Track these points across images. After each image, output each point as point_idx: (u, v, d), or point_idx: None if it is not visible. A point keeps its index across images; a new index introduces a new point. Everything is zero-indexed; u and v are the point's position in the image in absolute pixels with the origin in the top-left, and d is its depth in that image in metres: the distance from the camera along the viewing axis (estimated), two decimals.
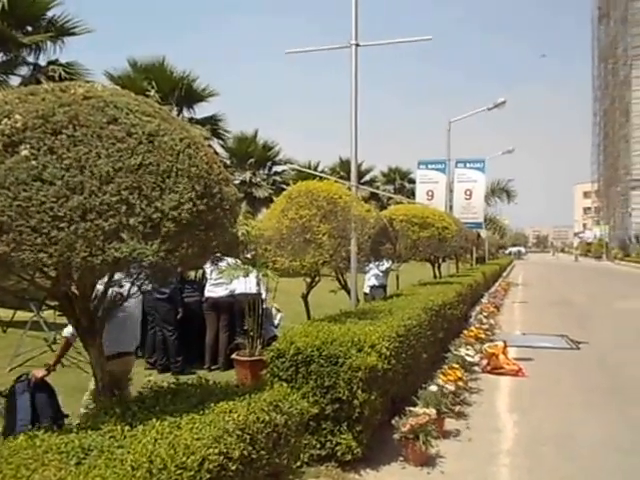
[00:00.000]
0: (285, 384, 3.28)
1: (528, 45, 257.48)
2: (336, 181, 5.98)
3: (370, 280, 9.51)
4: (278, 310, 6.84)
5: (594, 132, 73.30)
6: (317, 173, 17.38)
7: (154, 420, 2.25)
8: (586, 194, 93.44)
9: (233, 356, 5.53)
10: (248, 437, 2.32)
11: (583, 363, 7.60)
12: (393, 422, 4.01)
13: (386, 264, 9.13)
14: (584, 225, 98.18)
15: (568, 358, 7.94)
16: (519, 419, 5.11)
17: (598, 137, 70.14)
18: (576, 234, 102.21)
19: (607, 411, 5.38)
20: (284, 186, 23.65)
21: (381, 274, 9.46)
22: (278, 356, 3.77)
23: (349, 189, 6.06)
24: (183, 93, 18.72)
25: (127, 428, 2.19)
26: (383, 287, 9.54)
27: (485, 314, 9.83)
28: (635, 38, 51.49)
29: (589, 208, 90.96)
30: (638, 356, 8.07)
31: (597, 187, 72.53)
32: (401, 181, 43.18)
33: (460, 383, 5.21)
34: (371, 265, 8.73)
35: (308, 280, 5.74)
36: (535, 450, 4.36)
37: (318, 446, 3.70)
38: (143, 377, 4.73)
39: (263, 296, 6.17)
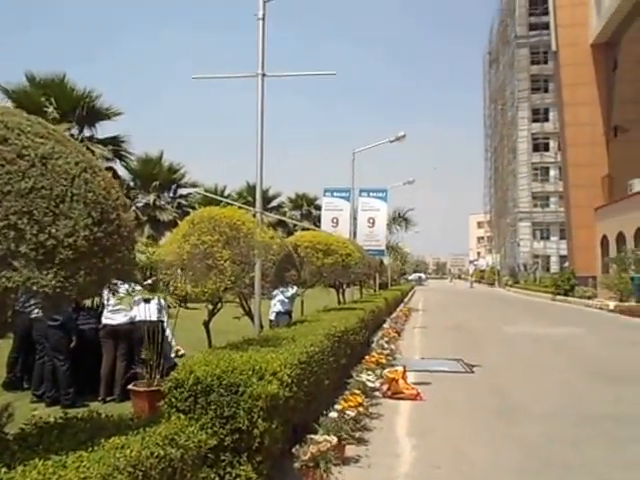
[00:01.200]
0: (183, 415, 3.18)
1: (430, 81, 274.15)
2: (241, 207, 5.98)
3: (275, 306, 9.51)
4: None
5: (486, 167, 79.03)
6: (221, 198, 17.24)
7: (37, 460, 2.10)
8: (479, 224, 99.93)
9: (130, 386, 5.28)
10: (140, 474, 2.23)
11: (476, 386, 8.03)
12: (294, 451, 4.00)
13: (291, 290, 9.18)
14: (478, 253, 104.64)
15: (463, 381, 8.35)
16: (417, 443, 5.29)
17: (490, 171, 75.67)
18: (471, 262, 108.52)
19: (497, 431, 5.71)
20: (190, 209, 23.20)
21: (286, 300, 9.49)
22: (176, 386, 3.65)
23: (254, 215, 6.09)
24: (85, 112, 17.97)
25: (4, 470, 2.02)
26: (288, 313, 9.56)
27: (386, 339, 10.14)
28: (521, 82, 56.47)
29: (482, 237, 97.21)
30: (523, 377, 8.70)
31: (489, 218, 77.85)
32: (308, 207, 43.92)
33: (361, 409, 5.31)
34: (276, 291, 8.75)
35: (210, 307, 5.64)
36: (430, 473, 4.53)
37: (217, 479, 3.60)
38: (28, 411, 4.39)
39: (165, 323, 5.97)
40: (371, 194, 19.38)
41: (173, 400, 3.63)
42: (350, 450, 4.75)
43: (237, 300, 6.09)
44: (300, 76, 7.57)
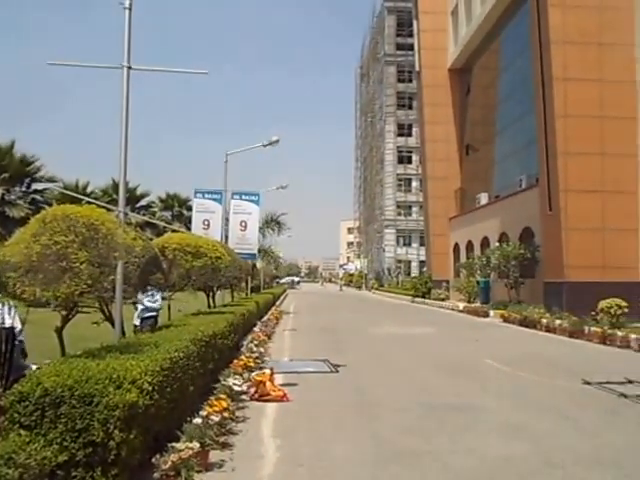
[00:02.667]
0: (25, 432, 2.92)
1: (305, 88, 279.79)
2: (103, 206, 5.64)
3: (141, 311, 9.10)
4: None
5: (356, 175, 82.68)
6: (81, 196, 16.11)
7: None
8: (350, 230, 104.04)
9: None
10: None
11: (340, 385, 8.34)
12: (154, 460, 3.86)
13: (157, 295, 8.85)
14: (348, 258, 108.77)
15: (328, 381, 8.63)
16: (281, 443, 5.36)
17: (359, 180, 79.29)
18: (341, 266, 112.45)
19: (357, 427, 5.98)
20: (46, 206, 21.35)
21: (153, 305, 9.12)
22: (20, 400, 3.34)
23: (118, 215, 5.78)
24: None
25: None
26: (154, 318, 9.20)
27: (256, 342, 10.16)
28: (388, 98, 59.94)
29: (352, 243, 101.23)
30: (383, 375, 9.22)
31: (358, 224, 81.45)
32: (179, 208, 42.54)
33: (226, 413, 5.26)
34: (142, 295, 8.38)
35: (64, 312, 5.24)
36: (293, 471, 4.62)
37: None
38: None
39: (17, 329, 5.43)
40: (244, 197, 19.32)
41: (16, 415, 3.31)
42: (214, 455, 4.68)
43: (97, 305, 5.74)
44: (171, 72, 7.34)
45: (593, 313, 14.56)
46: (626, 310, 14.00)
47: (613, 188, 18.11)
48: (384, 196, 60.54)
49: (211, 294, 12.89)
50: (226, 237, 18.39)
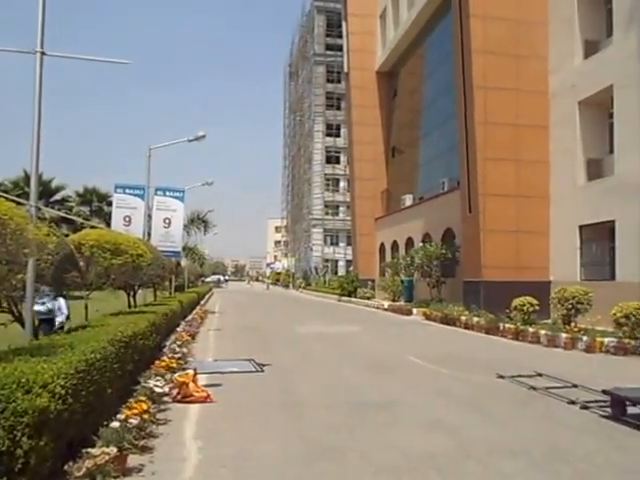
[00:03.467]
0: None
1: (233, 80, 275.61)
2: (14, 200, 5.29)
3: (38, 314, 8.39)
4: None
5: (284, 174, 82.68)
6: None
7: None
8: (277, 228, 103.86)
9: None
10: None
11: (265, 384, 8.28)
12: (67, 467, 3.66)
13: (47, 300, 8.18)
14: (275, 257, 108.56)
15: (253, 381, 8.54)
16: (203, 445, 5.24)
17: (287, 179, 79.33)
18: (268, 264, 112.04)
19: (283, 426, 5.97)
20: None
21: (40, 308, 8.34)
22: None
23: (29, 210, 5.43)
24: None
25: None
26: (49, 322, 8.47)
27: (179, 343, 9.91)
28: (317, 98, 60.37)
29: (280, 241, 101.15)
30: (309, 373, 9.26)
31: (286, 223, 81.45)
32: (99, 204, 40.73)
33: (146, 416, 5.09)
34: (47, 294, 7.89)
35: None
36: (215, 473, 4.54)
37: None
38: None
39: None
40: (168, 193, 18.77)
41: None
42: (133, 460, 4.51)
43: (5, 304, 5.37)
44: (89, 60, 7.00)
45: (507, 311, 15.36)
46: (537, 308, 14.86)
47: (527, 193, 19.19)
48: (312, 195, 60.91)
49: (132, 293, 12.44)
50: (149, 234, 17.81)
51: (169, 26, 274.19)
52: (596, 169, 17.77)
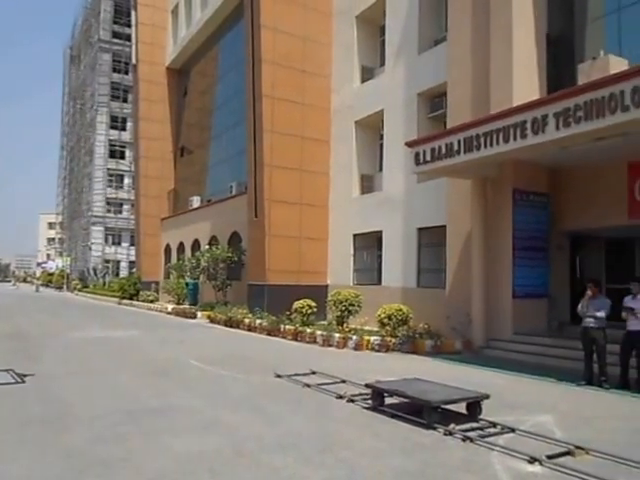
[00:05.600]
0: None
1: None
2: None
3: None
4: None
5: (61, 165, 74.80)
6: None
7: None
8: (51, 225, 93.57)
9: None
10: None
11: (26, 397, 7.35)
12: None
13: None
14: (48, 255, 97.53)
15: (11, 393, 7.52)
16: None
17: (65, 171, 71.86)
18: (39, 264, 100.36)
19: (42, 441, 5.32)
20: None
21: None
22: None
23: None
24: None
25: None
26: None
27: None
28: (102, 87, 56.00)
29: (54, 239, 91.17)
30: (80, 382, 8.48)
31: (61, 219, 73.68)
32: None
33: None
34: None
35: None
36: None
37: None
38: None
39: None
40: None
41: None
42: None
43: None
44: None
45: (288, 313, 16.13)
46: (315, 310, 15.90)
47: (309, 201, 20.44)
48: (93, 191, 56.27)
49: None
50: None
51: None
52: (368, 184, 19.76)
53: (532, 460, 5.01)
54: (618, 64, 10.97)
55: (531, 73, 13.22)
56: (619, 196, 11.94)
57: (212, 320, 20.00)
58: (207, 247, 24.91)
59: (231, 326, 18.25)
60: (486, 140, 11.04)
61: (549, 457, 5.07)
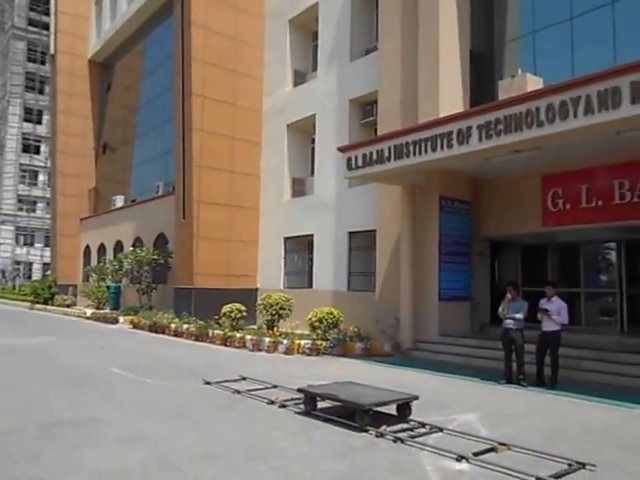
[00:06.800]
0: None
1: None
2: None
3: None
4: None
5: None
6: None
7: None
8: None
9: None
10: None
11: None
12: None
13: None
14: None
15: None
16: None
17: None
18: None
19: None
20: None
21: None
22: None
23: None
24: None
25: None
26: None
27: None
28: (15, 76, 52.64)
29: None
30: None
31: None
32: None
33: None
34: None
35: None
36: None
37: None
38: None
39: None
40: None
41: None
42: None
43: None
44: None
45: (217, 317, 15.80)
46: (245, 314, 15.68)
47: (239, 203, 20.15)
48: (2, 187, 52.70)
49: None
50: None
51: None
52: (300, 187, 19.76)
53: (459, 458, 5.18)
54: (534, 82, 11.71)
55: (456, 86, 13.77)
56: (534, 205, 12.72)
57: (135, 325, 19.24)
58: (131, 249, 23.96)
59: (156, 331, 17.64)
60: (415, 148, 11.37)
61: (475, 454, 5.26)
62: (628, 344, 10.97)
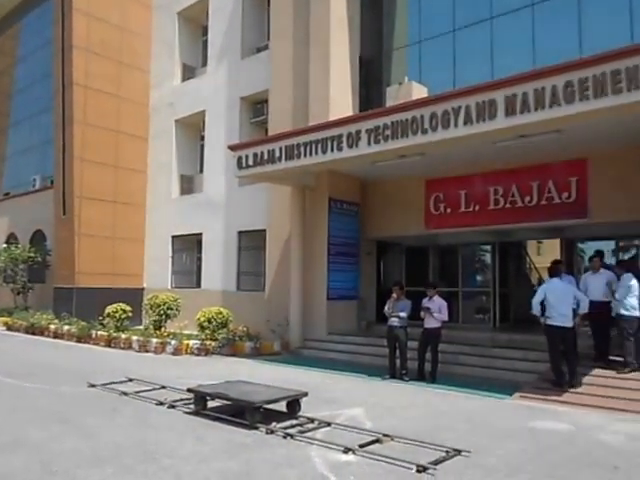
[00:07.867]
0: None
1: None
2: None
3: None
4: None
5: None
6: None
7: None
8: None
9: None
10: None
11: None
12: None
13: None
14: None
15: None
16: None
17: None
18: None
19: None
20: None
21: None
22: None
23: None
24: None
25: None
26: None
27: None
28: None
29: None
30: None
31: None
32: None
33: None
34: None
35: None
36: None
37: None
38: None
39: None
40: None
41: None
42: None
43: None
44: None
45: (101, 318, 15.09)
46: (130, 314, 15.12)
47: (125, 200, 19.33)
48: None
49: None
50: None
51: None
52: (189, 185, 19.37)
53: (346, 450, 5.48)
54: (419, 91, 12.47)
55: (346, 90, 14.27)
56: (418, 208, 13.50)
57: (10, 327, 17.83)
58: (4, 246, 22.08)
59: (34, 333, 16.49)
60: (306, 149, 11.64)
61: (361, 446, 5.58)
62: (499, 339, 11.97)
